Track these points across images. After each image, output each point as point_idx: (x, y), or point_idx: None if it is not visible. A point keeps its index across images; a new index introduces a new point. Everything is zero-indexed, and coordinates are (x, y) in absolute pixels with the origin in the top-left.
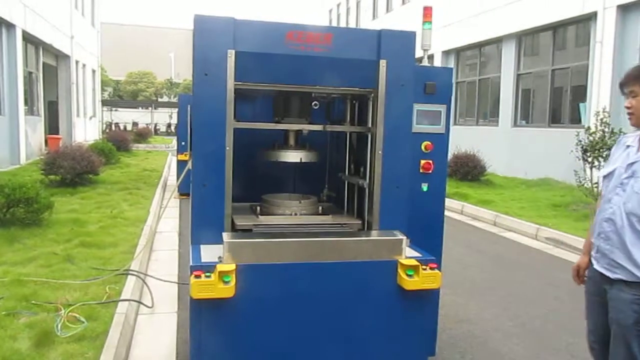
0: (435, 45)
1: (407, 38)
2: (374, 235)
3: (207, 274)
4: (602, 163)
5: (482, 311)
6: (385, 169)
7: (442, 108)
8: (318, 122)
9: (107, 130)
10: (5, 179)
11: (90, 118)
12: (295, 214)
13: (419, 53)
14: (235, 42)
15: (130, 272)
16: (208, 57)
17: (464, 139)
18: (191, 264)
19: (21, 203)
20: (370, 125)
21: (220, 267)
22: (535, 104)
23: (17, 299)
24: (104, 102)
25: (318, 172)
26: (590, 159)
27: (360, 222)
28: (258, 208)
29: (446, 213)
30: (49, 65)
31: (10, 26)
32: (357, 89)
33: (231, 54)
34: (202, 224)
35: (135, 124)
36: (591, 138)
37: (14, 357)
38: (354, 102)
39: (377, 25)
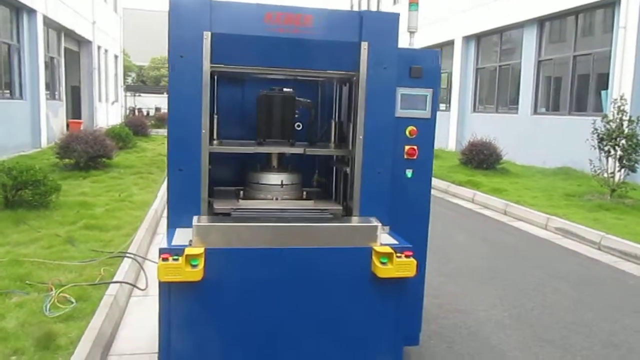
0: (456, 30)
1: (390, 20)
2: (348, 221)
3: (175, 257)
4: (619, 152)
5: (478, 301)
6: (366, 154)
7: (428, 92)
8: (301, 141)
9: (130, 115)
10: (14, 162)
11: (113, 103)
12: (277, 199)
13: (438, 40)
14: (212, 23)
15: (127, 254)
16: (183, 38)
17: (482, 126)
18: (160, 246)
19: (29, 185)
20: (350, 147)
21: (188, 251)
22: (557, 91)
23: (12, 279)
24: (128, 88)
25: (312, 158)
26: (606, 148)
27: (340, 208)
28: (241, 192)
29: (457, 201)
30: (71, 51)
31: (31, 11)
32: (338, 72)
33: (207, 36)
34: (179, 208)
35: (157, 109)
36: (608, 126)
37: None
38: (337, 121)
39: (397, 9)
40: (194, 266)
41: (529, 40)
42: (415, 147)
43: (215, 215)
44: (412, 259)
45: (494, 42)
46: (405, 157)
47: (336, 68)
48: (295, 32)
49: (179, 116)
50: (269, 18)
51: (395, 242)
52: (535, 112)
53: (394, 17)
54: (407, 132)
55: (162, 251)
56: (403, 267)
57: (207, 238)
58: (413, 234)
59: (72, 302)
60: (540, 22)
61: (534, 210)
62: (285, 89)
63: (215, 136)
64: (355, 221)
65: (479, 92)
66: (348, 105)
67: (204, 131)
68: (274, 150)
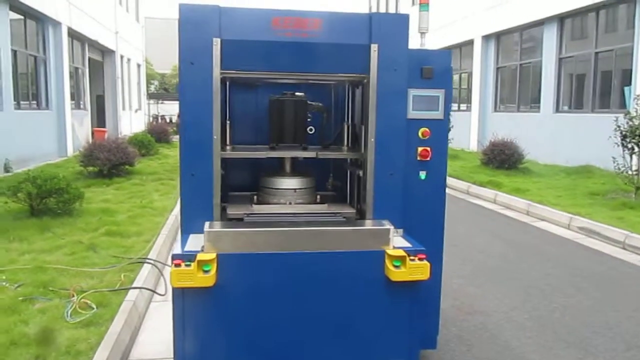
0: (475, 29)
1: (400, 21)
2: (361, 224)
3: (187, 262)
4: None
5: (499, 302)
6: (378, 157)
7: (440, 93)
8: (314, 143)
9: (153, 123)
10: (39, 171)
11: (136, 111)
12: (290, 203)
13: (457, 40)
14: (221, 30)
15: (147, 260)
16: (193, 46)
17: (504, 126)
18: (173, 252)
19: (53, 194)
20: (362, 150)
21: (200, 257)
22: (579, 89)
23: (36, 286)
24: (150, 95)
25: (326, 161)
26: (629, 146)
27: (354, 211)
28: (255, 197)
29: (478, 202)
30: (95, 61)
31: (56, 24)
32: (348, 75)
33: (217, 42)
34: (192, 214)
35: (179, 116)
36: (631, 123)
37: (21, 341)
38: (350, 124)
39: (416, 11)
40: (206, 272)
41: (550, 38)
42: (429, 149)
43: (228, 221)
44: (425, 261)
45: (514, 40)
46: (418, 158)
47: (346, 71)
48: (304, 36)
49: (191, 122)
50: (276, 23)
51: (408, 245)
52: (557, 110)
53: (404, 19)
54: (419, 134)
55: (174, 257)
56: (416, 270)
57: (218, 243)
58: (428, 236)
59: (93, 308)
60: (561, 19)
61: (556, 210)
62: (297, 93)
63: (228, 142)
64: (367, 224)
65: (500, 91)
66: (361, 107)
67: (215, 137)
68: (287, 154)
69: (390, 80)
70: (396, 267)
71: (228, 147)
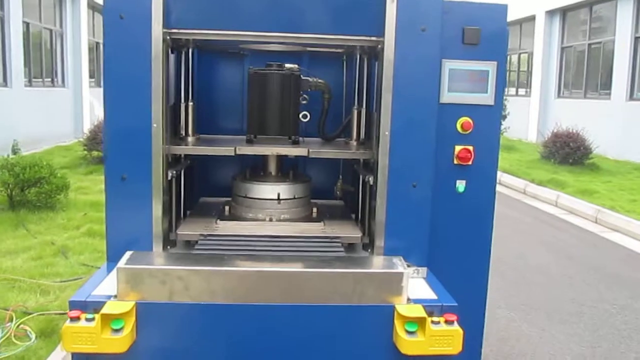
0: (537, 4)
1: None
2: (359, 264)
3: (89, 316)
4: None
5: (562, 348)
6: (394, 158)
7: (489, 67)
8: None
9: None
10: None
11: None
12: (271, 219)
13: (517, 16)
14: None
15: None
16: None
17: (568, 114)
18: (71, 298)
19: (34, 184)
20: (374, 147)
21: (108, 307)
22: None
23: None
24: None
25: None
26: None
27: (360, 235)
28: (226, 208)
29: (536, 204)
30: None
31: None
32: (353, 38)
33: None
34: (121, 233)
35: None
36: None
37: None
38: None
39: None
40: (117, 331)
41: (624, 15)
42: (471, 148)
43: (171, 247)
44: (456, 325)
45: (582, 17)
46: (456, 162)
47: (351, 32)
48: None
49: (119, 103)
50: None
51: (432, 295)
52: (631, 97)
53: None
54: (458, 126)
55: (71, 305)
56: (441, 339)
57: (139, 286)
58: (465, 278)
59: (31, 338)
60: None
61: (633, 219)
62: (287, 65)
63: (190, 131)
64: (369, 263)
65: (564, 74)
66: (377, 86)
67: (155, 125)
68: (267, 150)
69: (416, 46)
70: (410, 333)
71: (190, 138)
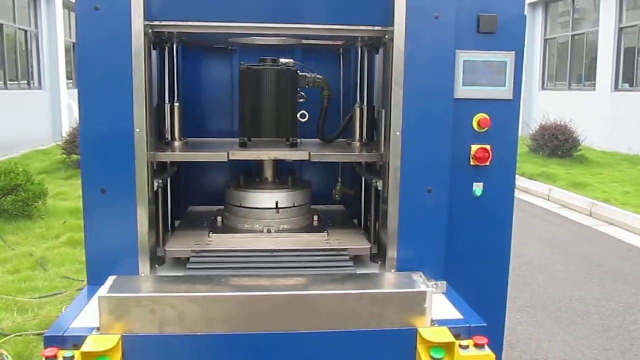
0: None
1: None
2: (375, 283)
3: (68, 355)
4: None
5: (572, 351)
6: (407, 161)
7: (507, 57)
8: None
9: None
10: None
11: None
12: (270, 231)
13: None
14: None
15: None
16: None
17: (553, 106)
18: (47, 332)
19: (9, 192)
20: (383, 149)
21: (89, 344)
22: None
23: None
24: None
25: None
26: None
27: (369, 246)
28: (219, 219)
29: (528, 199)
30: None
31: None
32: (357, 28)
33: None
34: (103, 251)
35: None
36: None
37: None
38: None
39: None
40: None
41: (608, 5)
42: (489, 148)
43: (160, 268)
44: (487, 350)
45: (565, 9)
46: (472, 163)
47: (354, 21)
48: None
49: (97, 106)
50: None
51: (457, 315)
52: (616, 88)
53: None
54: (475, 124)
55: (47, 342)
56: None
57: (125, 317)
58: (482, 289)
59: None
60: None
61: (629, 212)
62: (283, 60)
63: (176, 135)
64: (388, 281)
65: (548, 66)
66: (382, 82)
67: (138, 130)
68: (262, 155)
69: (429, 35)
70: None
71: (177, 143)
